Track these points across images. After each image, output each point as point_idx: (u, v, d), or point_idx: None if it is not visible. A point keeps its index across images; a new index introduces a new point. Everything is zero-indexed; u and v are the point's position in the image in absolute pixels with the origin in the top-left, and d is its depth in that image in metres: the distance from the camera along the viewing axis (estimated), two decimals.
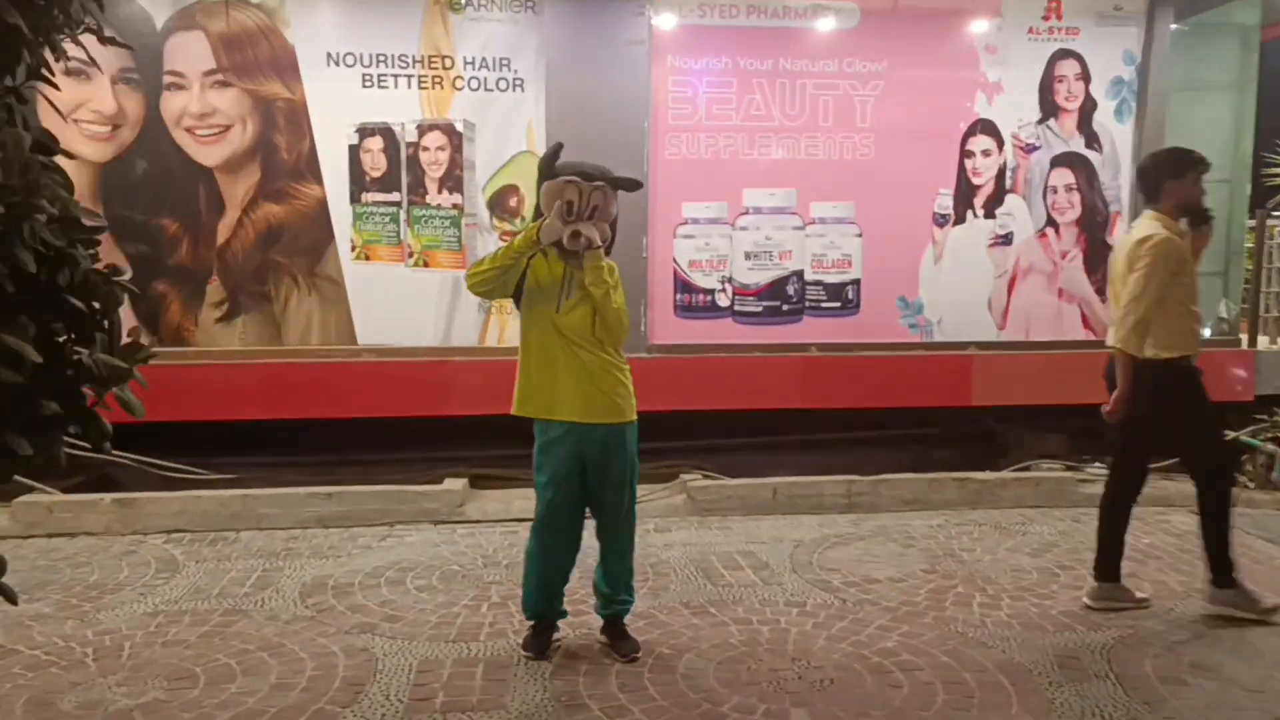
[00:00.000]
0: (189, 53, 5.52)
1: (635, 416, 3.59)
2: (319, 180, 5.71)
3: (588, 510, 3.70)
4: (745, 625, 3.98)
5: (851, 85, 6.04)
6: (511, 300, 3.55)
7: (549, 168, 3.36)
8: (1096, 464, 6.44)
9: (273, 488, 5.49)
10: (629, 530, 3.70)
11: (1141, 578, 4.59)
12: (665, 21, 5.88)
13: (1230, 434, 6.31)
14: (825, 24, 5.99)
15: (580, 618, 3.97)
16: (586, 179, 3.29)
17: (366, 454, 5.99)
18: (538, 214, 3.40)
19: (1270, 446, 6.19)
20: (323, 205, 5.73)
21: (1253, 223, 6.69)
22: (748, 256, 6.07)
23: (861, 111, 6.07)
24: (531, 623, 3.75)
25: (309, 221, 5.74)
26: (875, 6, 6.00)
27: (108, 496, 5.28)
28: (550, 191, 3.30)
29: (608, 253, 3.43)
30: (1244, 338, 6.47)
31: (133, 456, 5.65)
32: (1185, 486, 6.08)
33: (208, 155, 5.61)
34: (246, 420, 5.69)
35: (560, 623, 3.82)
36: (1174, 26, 6.19)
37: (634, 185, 3.42)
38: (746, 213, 6.05)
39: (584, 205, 3.27)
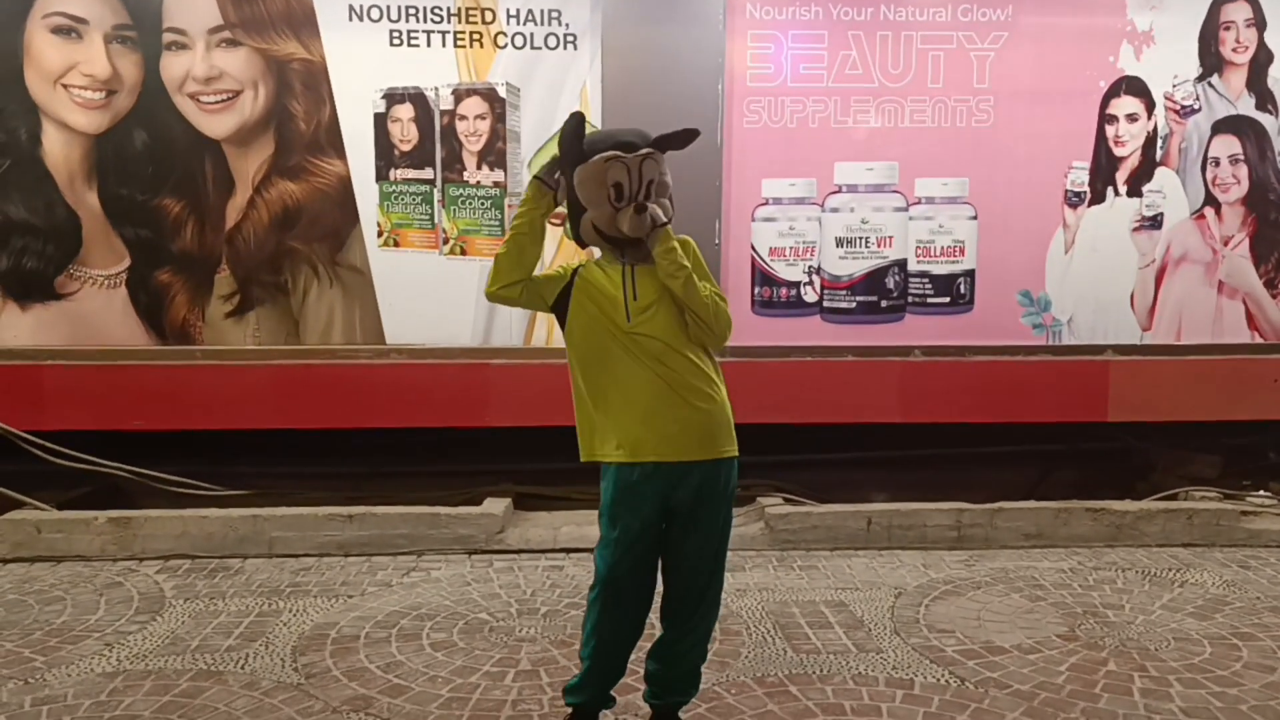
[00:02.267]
0: (193, 7, 4.89)
1: (737, 449, 2.84)
2: (341, 154, 5.05)
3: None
4: (837, 716, 3.16)
5: (967, 38, 5.17)
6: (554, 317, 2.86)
7: (575, 147, 2.69)
8: (1262, 493, 5.46)
9: (287, 507, 4.90)
10: (713, 606, 2.88)
11: None
12: None
13: None
14: None
15: (625, 696, 3.15)
16: (630, 149, 2.66)
17: (397, 467, 5.39)
18: (574, 221, 2.75)
19: None
20: (345, 183, 5.07)
21: None
22: (839, 243, 5.29)
23: (979, 70, 5.20)
24: (570, 709, 2.94)
25: (330, 202, 5.08)
26: None
27: (103, 515, 4.72)
28: (589, 178, 2.66)
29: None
30: None
31: (135, 469, 5.09)
32: None
33: (215, 125, 4.98)
34: (261, 429, 5.08)
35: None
36: None
37: (688, 138, 2.75)
38: (838, 191, 5.26)
39: (637, 184, 2.67)
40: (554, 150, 5.08)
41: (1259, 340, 5.45)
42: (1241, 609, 4.08)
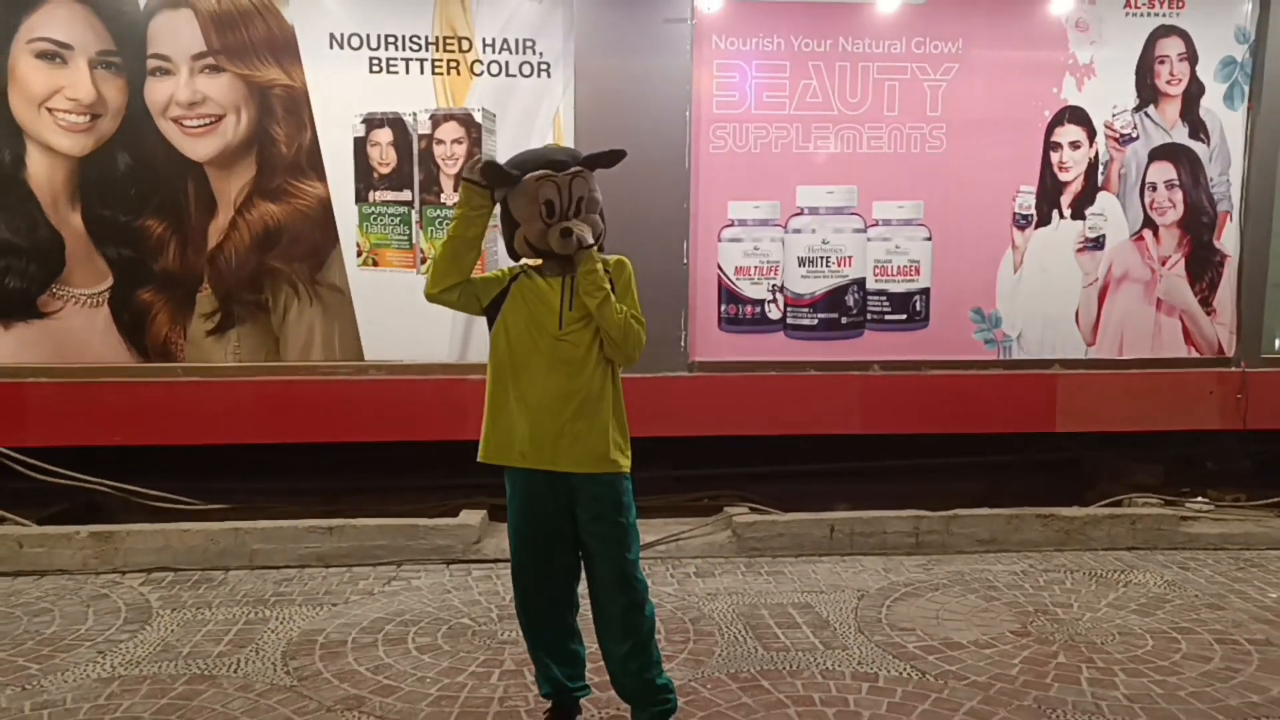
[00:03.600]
0: (176, 34, 4.96)
1: (620, 468, 2.96)
2: (321, 177, 5.13)
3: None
4: (807, 707, 3.33)
5: (921, 69, 5.37)
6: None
7: (500, 174, 2.79)
8: (1199, 499, 5.72)
9: (268, 520, 4.96)
10: (631, 613, 2.97)
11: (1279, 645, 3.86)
12: None
13: None
14: None
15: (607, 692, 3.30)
16: (561, 168, 2.78)
17: (374, 480, 5.44)
18: (508, 235, 2.88)
19: None
20: (325, 205, 5.15)
21: None
22: (802, 263, 5.42)
23: (932, 99, 5.38)
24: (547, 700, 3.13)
25: (310, 223, 5.16)
26: None
27: (84, 529, 4.76)
28: (524, 194, 2.78)
29: (601, 248, 2.91)
30: None
31: (117, 485, 5.13)
32: None
33: (197, 148, 5.05)
34: (242, 444, 5.14)
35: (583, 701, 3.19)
36: None
37: (615, 157, 2.86)
38: (801, 213, 5.40)
39: (567, 201, 2.79)
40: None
41: (1195, 355, 5.64)
42: (1181, 606, 4.33)
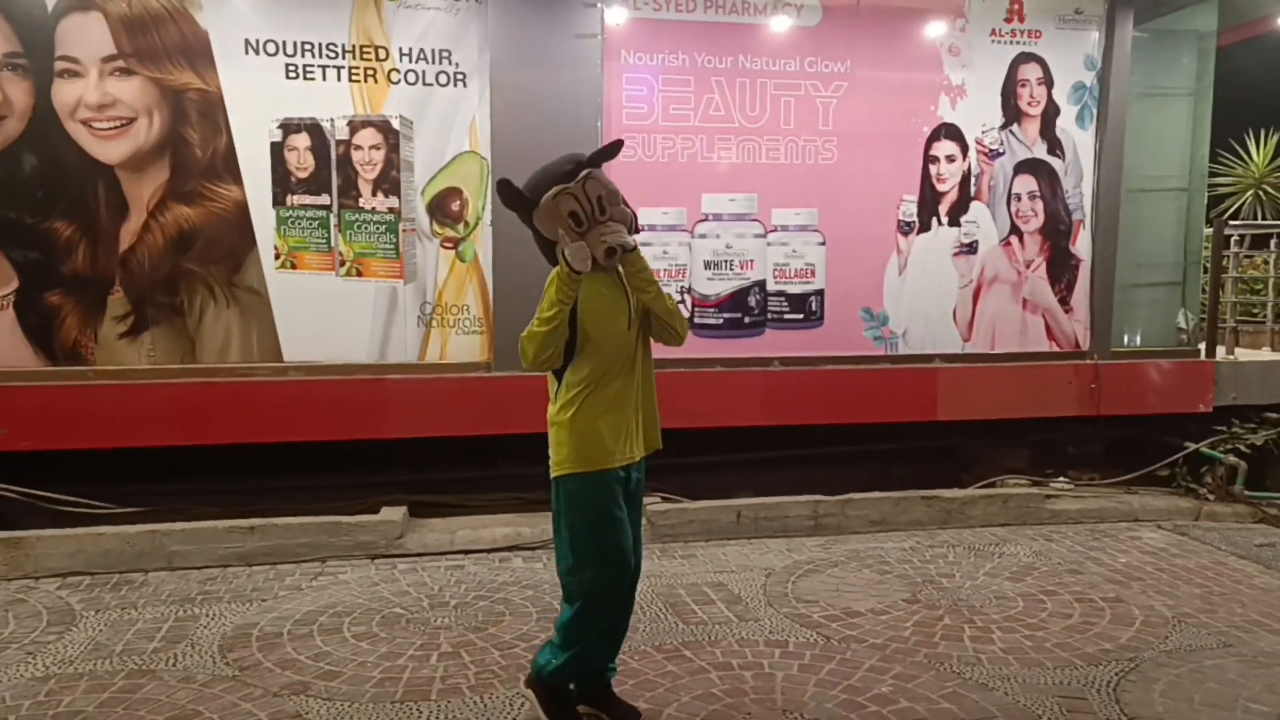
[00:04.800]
0: (85, 36, 4.92)
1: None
2: (238, 180, 5.16)
3: None
4: (726, 671, 3.63)
5: (814, 86, 5.77)
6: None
7: (521, 201, 2.88)
8: (1061, 479, 6.32)
9: (186, 521, 4.95)
10: (568, 594, 3.09)
11: (1129, 602, 4.39)
12: (618, 15, 5.51)
13: (1190, 445, 6.23)
14: (786, 21, 5.70)
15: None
16: (569, 179, 2.83)
17: (294, 480, 5.44)
18: (548, 254, 2.93)
19: (1231, 459, 6.10)
20: (242, 208, 5.18)
21: (1209, 230, 6.61)
22: (708, 266, 5.74)
23: (824, 114, 5.79)
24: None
25: (227, 226, 5.18)
26: (837, 3, 5.74)
27: None
28: (547, 215, 2.85)
29: (636, 230, 2.99)
30: (1202, 348, 6.37)
31: (22, 489, 5.02)
32: (1151, 500, 6.06)
33: (108, 151, 5.02)
34: (157, 447, 5.10)
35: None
36: (1133, 33, 6.06)
37: (614, 150, 2.98)
38: (706, 219, 5.73)
39: (590, 205, 2.82)
40: (448, 181, 5.47)
41: (1056, 349, 6.21)
42: (1046, 572, 4.84)
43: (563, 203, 2.81)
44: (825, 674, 3.60)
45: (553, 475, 2.97)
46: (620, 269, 2.93)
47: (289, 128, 5.19)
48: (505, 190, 2.88)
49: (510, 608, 4.26)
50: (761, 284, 5.82)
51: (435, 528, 5.29)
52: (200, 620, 4.08)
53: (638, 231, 3.03)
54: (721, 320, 5.76)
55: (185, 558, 4.80)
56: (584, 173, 2.82)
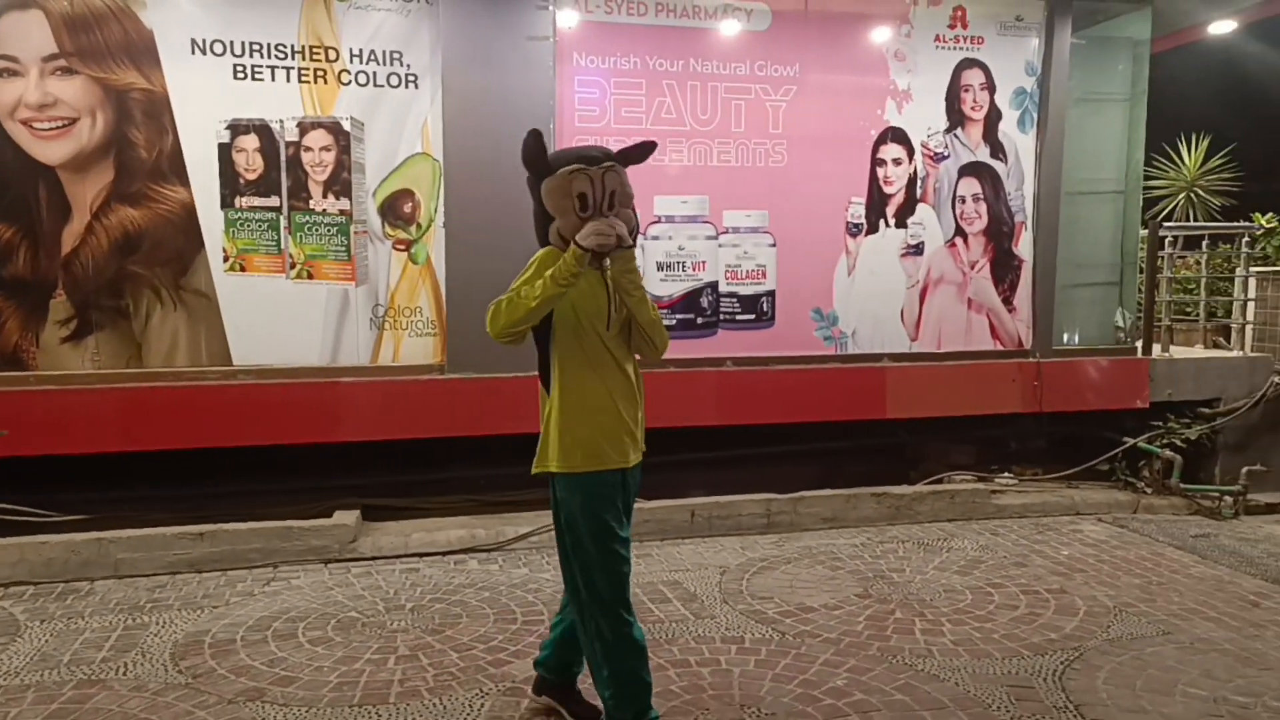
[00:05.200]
0: (25, 34, 4.81)
1: None
2: (184, 182, 5.08)
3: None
4: (684, 668, 3.68)
5: (764, 89, 5.85)
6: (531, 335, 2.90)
7: (540, 160, 2.82)
8: (1005, 475, 6.48)
9: (133, 529, 4.86)
10: (578, 606, 3.06)
11: (1072, 593, 4.52)
12: (569, 18, 5.54)
13: (1128, 440, 6.43)
14: (736, 25, 5.77)
15: (504, 668, 3.54)
16: (594, 163, 2.78)
17: (245, 485, 5.37)
18: (541, 228, 2.89)
19: (1167, 452, 6.31)
20: (189, 210, 5.10)
21: (1144, 232, 6.83)
22: (661, 267, 5.79)
23: (774, 117, 5.88)
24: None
25: (173, 228, 5.10)
26: (786, 8, 5.82)
27: None
28: (555, 189, 2.79)
29: (635, 240, 2.91)
30: (1139, 346, 6.58)
31: None
32: (1091, 494, 6.24)
33: (49, 152, 4.91)
34: (102, 453, 5.00)
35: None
36: (1071, 40, 6.24)
37: (646, 150, 2.92)
38: (658, 221, 5.77)
39: (600, 194, 2.77)
40: (400, 183, 5.43)
41: (1000, 348, 6.37)
42: (993, 566, 4.97)
43: (577, 180, 2.77)
44: (781, 669, 3.66)
45: (532, 471, 2.97)
46: (608, 268, 2.85)
47: (237, 129, 5.12)
48: (533, 143, 2.80)
49: (467, 609, 4.26)
50: (714, 285, 5.88)
51: (389, 531, 5.27)
52: (150, 628, 4.02)
53: (635, 241, 2.97)
54: (675, 321, 5.80)
55: (133, 565, 4.72)
56: (608, 163, 2.80)
